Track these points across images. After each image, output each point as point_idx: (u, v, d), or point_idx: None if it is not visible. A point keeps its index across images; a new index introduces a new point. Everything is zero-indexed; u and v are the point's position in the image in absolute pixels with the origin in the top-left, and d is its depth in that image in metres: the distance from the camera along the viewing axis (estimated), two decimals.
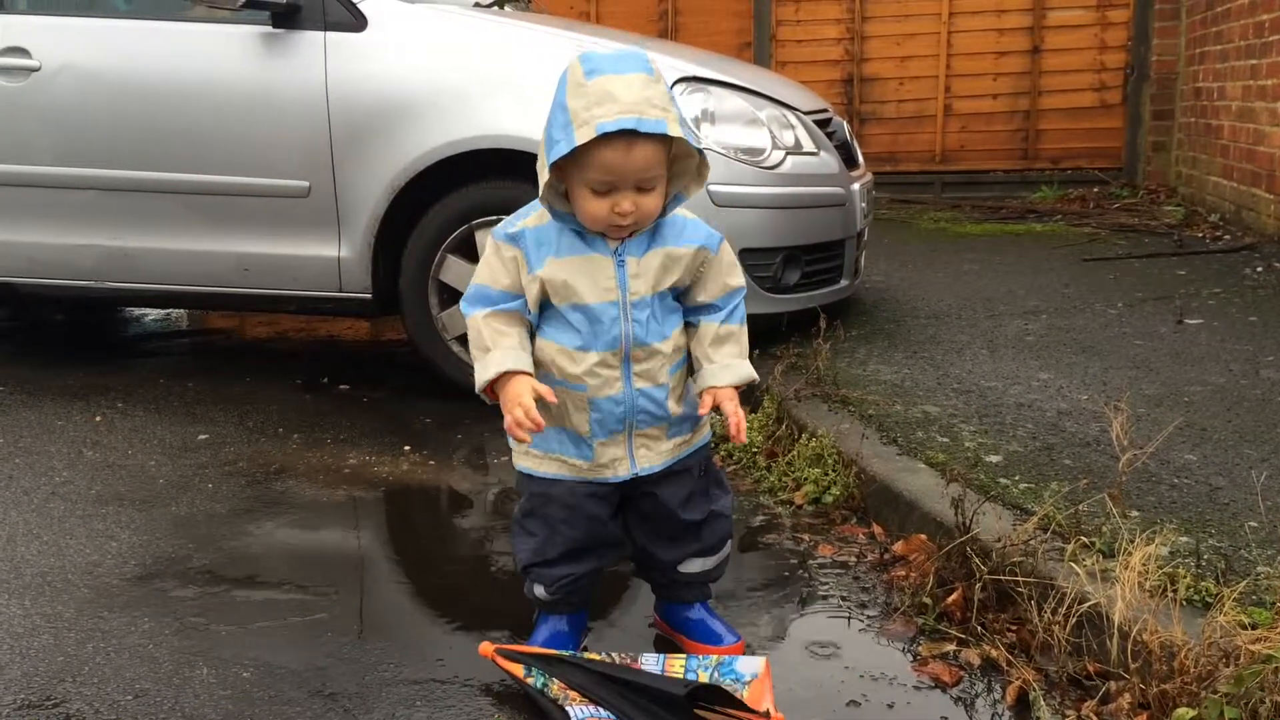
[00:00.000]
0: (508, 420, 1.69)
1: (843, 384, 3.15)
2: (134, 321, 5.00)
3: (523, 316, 1.77)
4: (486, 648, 1.89)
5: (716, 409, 1.78)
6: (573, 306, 1.75)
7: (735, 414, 1.76)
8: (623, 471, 1.81)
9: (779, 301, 3.56)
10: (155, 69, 3.60)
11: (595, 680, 1.76)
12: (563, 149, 1.61)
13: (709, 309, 1.83)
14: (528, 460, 1.84)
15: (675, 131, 1.62)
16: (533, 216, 1.76)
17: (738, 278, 1.85)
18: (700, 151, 1.71)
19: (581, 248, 1.74)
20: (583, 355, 1.76)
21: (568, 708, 1.72)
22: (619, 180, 1.65)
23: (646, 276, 1.76)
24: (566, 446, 1.81)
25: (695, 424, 1.87)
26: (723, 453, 2.90)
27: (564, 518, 1.82)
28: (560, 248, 1.74)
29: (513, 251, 1.75)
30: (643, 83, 1.62)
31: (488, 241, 1.80)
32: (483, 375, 1.73)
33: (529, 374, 1.72)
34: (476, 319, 1.76)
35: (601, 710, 1.71)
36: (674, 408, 1.82)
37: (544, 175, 1.66)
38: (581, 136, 1.59)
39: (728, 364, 1.81)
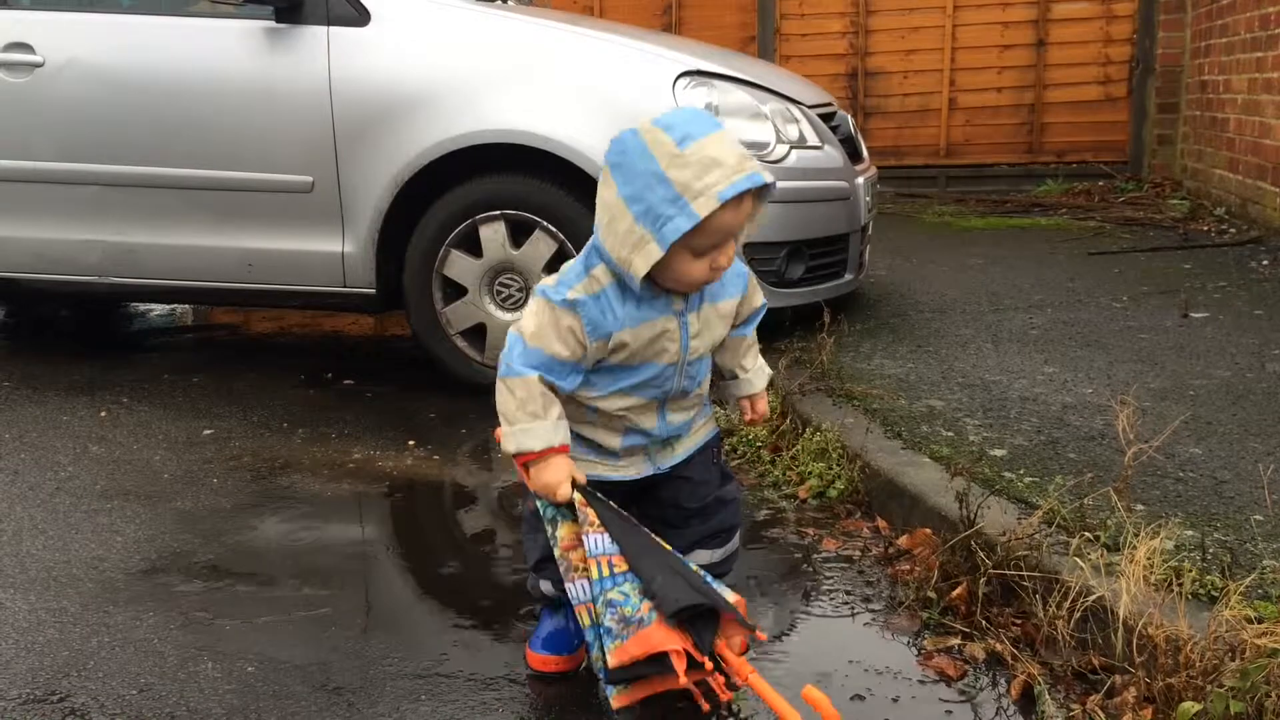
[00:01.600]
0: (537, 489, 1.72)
1: (847, 378, 3.15)
2: (138, 317, 5.01)
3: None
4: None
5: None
6: (631, 370, 1.73)
7: (764, 408, 1.98)
8: (645, 470, 1.85)
9: (783, 296, 3.56)
10: (158, 64, 3.61)
11: (624, 531, 1.71)
12: (684, 224, 1.54)
13: (739, 327, 1.89)
14: None
15: (770, 178, 1.61)
16: (582, 284, 1.67)
17: (760, 296, 1.89)
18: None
19: (647, 313, 1.69)
20: (623, 397, 1.75)
21: (585, 537, 1.68)
22: (727, 238, 1.63)
23: (705, 335, 1.77)
24: (589, 452, 1.81)
25: (706, 416, 1.92)
26: (728, 447, 2.90)
27: None
28: (624, 318, 1.67)
29: (571, 320, 1.66)
30: (731, 139, 1.59)
31: (537, 302, 1.69)
32: (527, 444, 1.68)
33: (567, 451, 1.70)
34: (531, 381, 1.66)
35: (613, 545, 1.67)
36: (695, 424, 1.88)
37: (651, 254, 1.57)
38: (703, 208, 1.54)
39: (758, 369, 1.95)
